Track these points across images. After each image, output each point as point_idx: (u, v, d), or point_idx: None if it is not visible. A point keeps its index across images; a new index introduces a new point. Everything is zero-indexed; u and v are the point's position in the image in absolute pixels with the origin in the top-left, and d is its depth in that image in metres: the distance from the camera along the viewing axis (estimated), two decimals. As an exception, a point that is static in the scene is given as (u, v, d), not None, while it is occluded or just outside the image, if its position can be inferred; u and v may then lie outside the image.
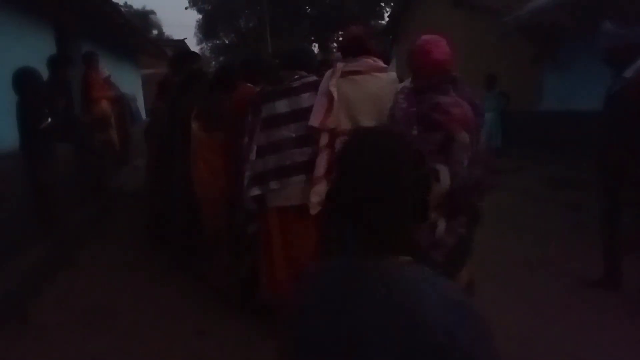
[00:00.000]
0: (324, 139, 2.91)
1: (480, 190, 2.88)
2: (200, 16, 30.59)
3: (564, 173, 7.31)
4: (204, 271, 4.05)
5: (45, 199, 4.56)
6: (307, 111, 2.98)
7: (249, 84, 3.57)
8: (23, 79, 4.33)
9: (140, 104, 12.53)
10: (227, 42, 31.17)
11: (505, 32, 8.79)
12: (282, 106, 3.06)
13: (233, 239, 3.52)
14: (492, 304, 3.41)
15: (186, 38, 26.30)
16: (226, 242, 3.65)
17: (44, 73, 5.17)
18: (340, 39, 3.93)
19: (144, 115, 10.75)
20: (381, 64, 3.05)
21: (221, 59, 29.33)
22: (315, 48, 26.79)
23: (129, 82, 11.50)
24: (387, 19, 22.74)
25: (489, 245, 4.32)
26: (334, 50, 26.00)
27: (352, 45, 3.07)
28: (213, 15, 29.57)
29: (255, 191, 3.11)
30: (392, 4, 25.37)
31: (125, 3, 29.81)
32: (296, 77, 3.11)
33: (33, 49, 5.94)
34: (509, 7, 9.04)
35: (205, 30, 30.58)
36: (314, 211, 2.91)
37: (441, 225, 2.69)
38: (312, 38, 28.74)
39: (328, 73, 3.02)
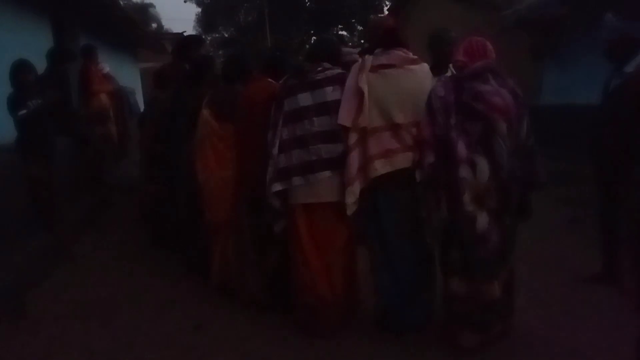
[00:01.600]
0: (353, 137, 2.84)
1: (529, 183, 2.83)
2: (199, 9, 30.44)
3: (563, 168, 7.29)
4: (202, 264, 3.98)
5: (40, 193, 4.54)
6: (331, 105, 2.91)
7: (269, 79, 3.46)
8: (13, 72, 4.31)
9: (139, 97, 12.49)
10: (226, 35, 31.04)
11: (504, 26, 8.76)
12: (305, 99, 2.99)
13: (253, 233, 3.44)
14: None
15: (185, 31, 26.11)
16: (239, 235, 3.56)
17: (42, 66, 5.15)
18: (370, 29, 3.79)
19: (142, 108, 10.71)
20: (412, 55, 2.94)
21: (220, 52, 29.23)
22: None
23: (127, 75, 11.45)
24: (386, 12, 22.69)
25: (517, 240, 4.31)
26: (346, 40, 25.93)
27: (384, 36, 2.97)
28: (212, 8, 29.43)
29: (278, 187, 3.04)
30: (391, -2, 25.27)
31: (124, -4, 29.65)
32: (319, 69, 3.02)
33: (30, 42, 5.91)
34: (508, 1, 9.00)
35: (204, 23, 30.43)
36: (350, 211, 2.86)
37: (483, 219, 2.65)
38: (312, 32, 28.64)
39: (355, 67, 2.92)
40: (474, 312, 2.79)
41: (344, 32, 28.07)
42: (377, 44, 3.00)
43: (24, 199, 4.53)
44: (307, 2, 27.99)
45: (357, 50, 3.94)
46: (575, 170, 6.86)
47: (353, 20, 28.13)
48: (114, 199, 6.68)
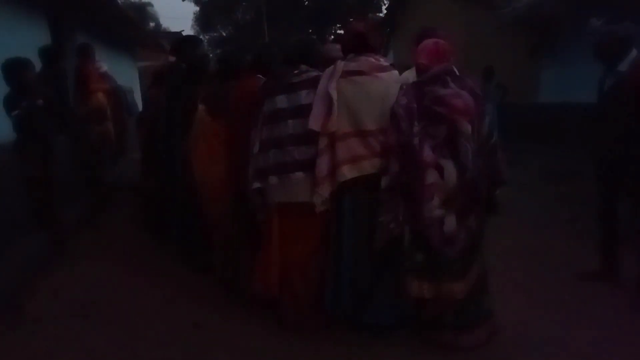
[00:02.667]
0: (323, 142, 2.91)
1: (493, 180, 2.88)
2: (197, 8, 30.42)
3: (561, 165, 7.31)
4: (206, 262, 4.02)
5: (38, 192, 4.54)
6: (305, 108, 2.96)
7: (259, 75, 3.52)
8: (10, 70, 4.31)
9: (137, 96, 12.47)
10: (224, 34, 31.03)
11: (502, 24, 8.77)
12: (281, 102, 3.06)
13: (237, 228, 3.54)
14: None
15: (183, 30, 26.12)
16: (229, 229, 3.64)
17: (38, 65, 5.13)
18: (341, 34, 3.83)
19: (140, 107, 10.70)
20: (383, 62, 2.99)
21: (218, 51, 29.20)
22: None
23: (125, 74, 11.44)
24: (385, 11, 22.68)
25: (484, 237, 4.32)
26: (330, 39, 25.91)
27: (354, 42, 3.01)
28: (210, 7, 29.41)
29: (256, 184, 3.15)
30: (390, -4, 25.26)
31: (122, -5, 29.62)
32: (296, 72, 3.08)
33: (27, 41, 5.90)
34: (506, -1, 9.02)
35: (203, 22, 30.41)
36: (319, 210, 2.95)
37: (451, 221, 2.70)
38: (310, 30, 28.62)
39: (327, 72, 2.97)
40: (447, 313, 2.85)
41: (342, 31, 28.02)
42: (348, 49, 3.05)
43: (22, 199, 4.52)
44: (305, 1, 27.97)
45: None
46: (572, 168, 6.89)
47: (351, 19, 28.11)
48: (111, 197, 6.67)
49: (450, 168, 2.66)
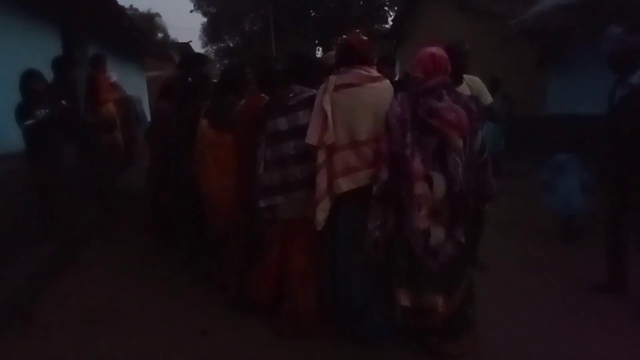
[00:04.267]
0: (321, 156, 2.95)
1: (481, 195, 2.92)
2: (205, 19, 30.71)
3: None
4: (212, 271, 4.05)
5: (48, 200, 4.58)
6: (304, 128, 3.03)
7: (262, 95, 3.60)
8: (23, 81, 4.38)
9: (145, 106, 12.56)
10: (231, 45, 31.26)
11: (509, 36, 8.79)
12: (282, 124, 3.18)
13: (244, 240, 3.59)
14: (494, 306, 3.41)
15: (191, 41, 26.36)
16: (235, 240, 3.68)
17: (50, 76, 5.20)
18: (336, 47, 3.87)
19: (148, 117, 10.79)
20: (374, 73, 3.05)
21: (226, 61, 29.40)
22: (320, 52, 26.80)
23: (134, 84, 11.53)
24: (391, 22, 22.79)
25: (490, 247, 4.33)
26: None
27: (345, 54, 3.07)
28: (218, 18, 29.67)
29: (262, 203, 3.23)
30: (396, 8, 25.39)
31: (131, 6, 29.95)
32: (291, 94, 3.19)
33: (39, 52, 5.98)
34: (513, 10, 9.04)
35: (210, 33, 30.67)
36: (319, 227, 2.97)
37: (438, 233, 2.72)
38: (317, 41, 28.78)
39: (321, 87, 3.04)
40: (433, 321, 2.87)
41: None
42: (341, 62, 3.10)
43: (32, 207, 4.56)
44: (312, 12, 28.16)
45: None
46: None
47: (357, 30, 28.24)
48: (120, 206, 6.71)
49: (439, 180, 2.68)
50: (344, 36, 3.30)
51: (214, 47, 31.65)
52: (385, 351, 3.02)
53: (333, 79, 3.00)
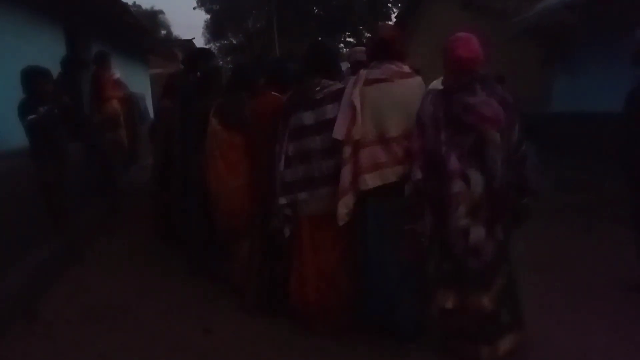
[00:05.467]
0: (347, 151, 2.89)
1: (521, 189, 2.81)
2: (208, 16, 30.72)
3: (573, 175, 7.26)
4: (222, 271, 4.02)
5: (52, 197, 4.59)
6: (331, 123, 2.96)
7: (274, 93, 3.54)
8: (28, 78, 4.39)
9: (149, 103, 12.58)
10: (234, 42, 31.26)
11: (513, 34, 8.76)
12: (308, 118, 3.08)
13: (264, 240, 3.52)
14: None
15: (194, 38, 26.36)
16: (251, 242, 3.63)
17: (54, 73, 5.20)
18: (367, 40, 3.82)
19: (152, 114, 10.82)
20: (406, 69, 2.98)
21: (229, 59, 29.41)
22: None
23: (137, 81, 11.54)
24: (394, 20, 22.76)
25: (511, 247, 4.30)
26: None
27: (377, 49, 3.01)
28: (221, 15, 29.67)
29: (283, 200, 3.16)
30: (399, 5, 25.35)
31: (134, 3, 29.92)
32: (318, 88, 3.09)
33: (43, 49, 5.99)
34: (517, 8, 9.01)
35: (213, 30, 30.67)
36: (342, 222, 2.93)
37: (477, 232, 2.65)
38: (320, 39, 28.72)
39: (351, 81, 2.98)
40: (470, 324, 2.77)
41: (352, 39, 28.17)
42: (372, 56, 3.06)
43: (36, 204, 4.57)
44: (315, 10, 28.12)
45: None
46: (585, 178, 6.85)
47: (361, 27, 28.22)
48: (124, 203, 6.72)
49: (476, 177, 2.61)
50: (376, 28, 3.22)
51: (217, 45, 31.66)
52: (406, 351, 2.98)
53: (363, 73, 2.95)
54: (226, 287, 3.94)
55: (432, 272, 2.87)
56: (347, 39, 28.34)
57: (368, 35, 28.40)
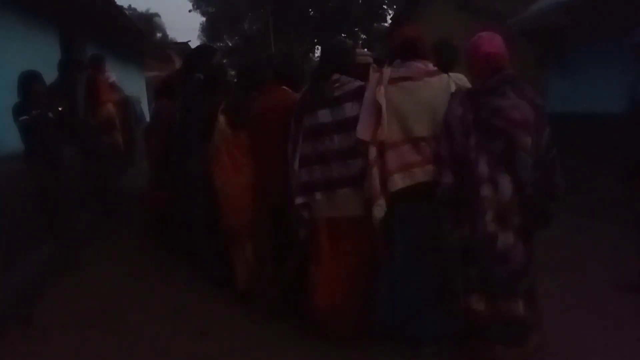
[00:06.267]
0: (373, 152, 2.80)
1: (550, 194, 2.74)
2: (204, 19, 30.72)
3: (568, 176, 7.27)
4: (222, 277, 3.98)
5: (47, 201, 4.57)
6: (350, 121, 2.90)
7: (284, 87, 3.49)
8: (22, 82, 4.37)
9: (145, 106, 12.55)
10: (230, 44, 31.25)
11: (508, 35, 8.78)
12: (324, 116, 3.00)
13: (272, 241, 3.45)
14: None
15: (190, 41, 26.33)
16: (257, 242, 3.58)
17: (49, 75, 5.18)
18: (391, 39, 3.81)
19: (148, 117, 10.80)
20: (432, 67, 2.91)
21: (225, 61, 29.39)
22: (318, 51, 26.79)
23: (133, 84, 11.52)
24: (389, 21, 22.80)
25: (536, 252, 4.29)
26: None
27: (403, 48, 2.94)
28: (217, 17, 29.68)
29: (300, 200, 3.08)
30: (395, 7, 25.40)
31: (130, 6, 29.91)
32: (336, 84, 3.00)
33: (38, 52, 5.97)
34: (512, 9, 9.03)
35: (209, 33, 30.67)
36: (377, 224, 2.82)
37: (507, 237, 2.60)
38: (315, 40, 28.78)
39: (374, 80, 2.89)
40: (498, 327, 2.71)
41: (348, 41, 28.20)
42: (396, 55, 2.97)
43: (31, 208, 4.55)
44: (311, 12, 28.17)
45: (371, 53, 3.91)
46: (580, 178, 6.85)
47: (357, 29, 28.29)
48: (120, 207, 6.70)
49: (505, 183, 2.56)
50: (400, 27, 3.15)
51: (213, 45, 31.63)
52: (421, 356, 2.94)
53: (387, 71, 2.87)
54: (223, 291, 3.93)
55: (460, 277, 2.79)
56: (391, 38, 28.31)
57: (364, 37, 28.50)
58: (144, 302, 3.95)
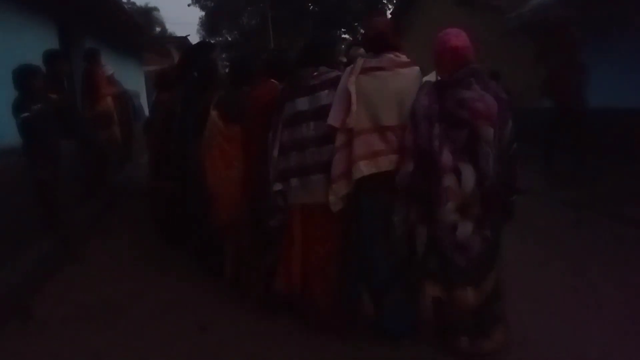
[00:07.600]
0: (340, 139, 2.88)
1: (511, 187, 2.80)
2: (203, 13, 30.61)
3: (567, 171, 7.28)
4: (217, 266, 4.00)
5: (46, 195, 4.57)
6: (326, 109, 2.95)
7: (273, 80, 3.52)
8: (20, 76, 4.36)
9: (144, 100, 12.54)
10: (229, 39, 31.17)
11: (508, 30, 8.78)
12: (302, 104, 3.06)
13: (254, 232, 3.50)
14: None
15: (189, 35, 26.23)
16: (242, 234, 3.61)
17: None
18: (363, 32, 3.87)
19: (146, 111, 10.78)
20: (404, 58, 2.95)
21: (224, 55, 29.34)
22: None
23: (132, 78, 11.52)
24: (389, 16, 22.74)
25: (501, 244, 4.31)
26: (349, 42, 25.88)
27: (376, 40, 2.99)
28: (216, 12, 29.58)
29: (278, 187, 3.14)
30: (394, 2, 25.33)
31: (129, 0, 29.85)
32: (315, 73, 3.08)
33: (36, 46, 5.94)
34: (512, 4, 9.02)
35: (208, 27, 30.59)
36: (334, 209, 2.93)
37: (465, 227, 2.65)
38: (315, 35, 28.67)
39: (348, 69, 2.96)
40: (463, 319, 2.79)
41: (347, 36, 28.16)
42: (369, 47, 3.05)
43: (30, 202, 4.55)
44: (310, 6, 28.08)
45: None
46: (579, 173, 6.87)
47: (356, 24, 28.22)
48: (118, 201, 6.70)
49: (468, 173, 2.60)
50: (371, 21, 3.15)
51: (212, 41, 31.55)
52: (400, 348, 2.97)
53: (360, 61, 2.93)
54: (222, 284, 3.93)
55: (419, 266, 2.88)
56: (343, 36, 28.31)
57: (363, 32, 28.46)
58: (143, 296, 3.95)
